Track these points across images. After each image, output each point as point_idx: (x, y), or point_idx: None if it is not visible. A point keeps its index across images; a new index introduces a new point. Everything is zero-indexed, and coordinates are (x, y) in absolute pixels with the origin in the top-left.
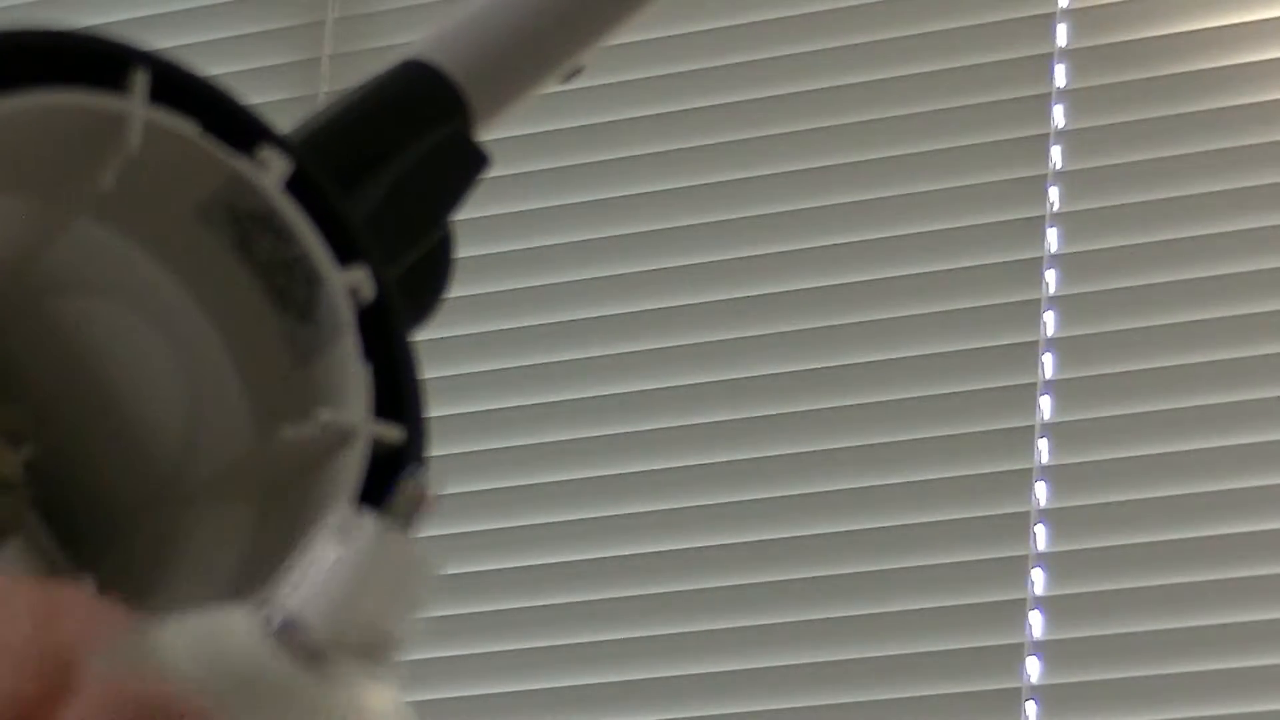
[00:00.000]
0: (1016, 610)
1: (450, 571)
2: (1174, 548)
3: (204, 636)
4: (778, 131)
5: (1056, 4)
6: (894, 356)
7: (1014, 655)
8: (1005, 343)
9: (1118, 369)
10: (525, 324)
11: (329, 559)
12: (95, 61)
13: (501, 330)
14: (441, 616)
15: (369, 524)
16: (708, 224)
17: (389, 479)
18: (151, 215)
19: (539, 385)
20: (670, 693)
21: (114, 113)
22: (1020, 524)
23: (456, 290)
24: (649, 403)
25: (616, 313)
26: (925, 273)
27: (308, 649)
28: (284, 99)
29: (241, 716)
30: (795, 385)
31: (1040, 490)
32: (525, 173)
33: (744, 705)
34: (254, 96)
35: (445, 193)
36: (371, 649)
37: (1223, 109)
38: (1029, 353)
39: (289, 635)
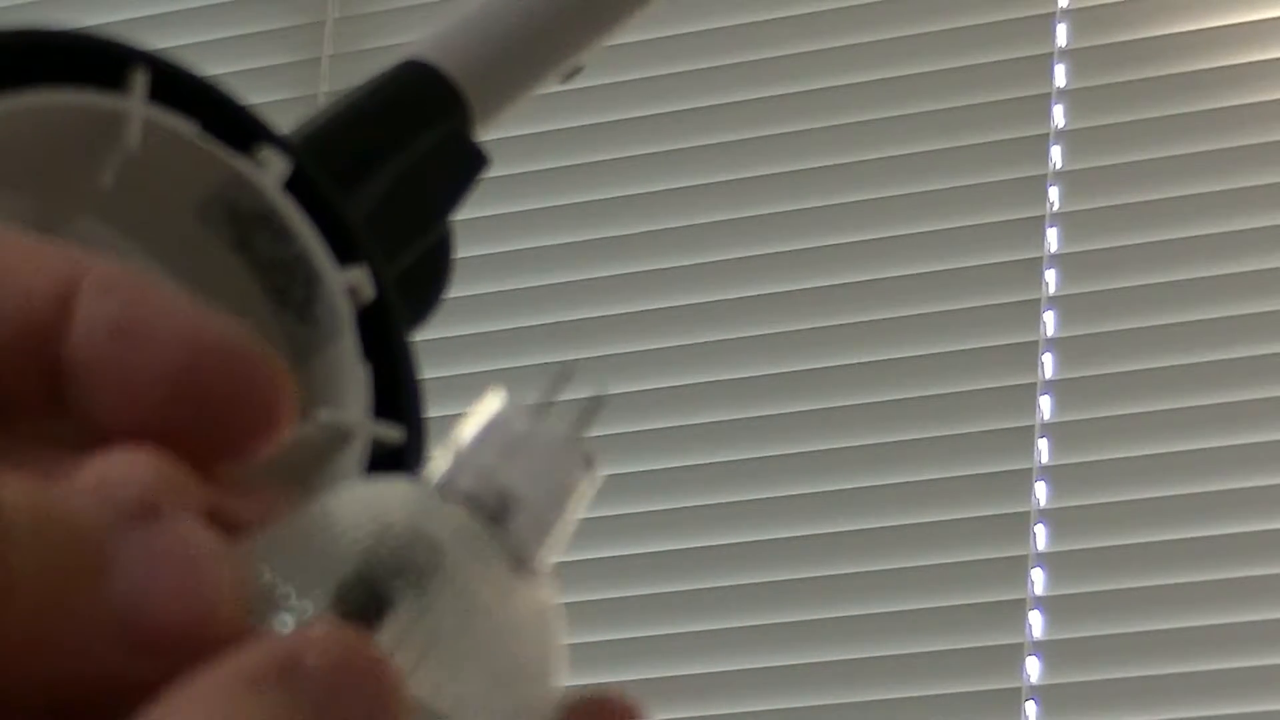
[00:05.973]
0: (1016, 610)
1: None
2: (1174, 548)
3: (370, 500)
4: (778, 131)
5: (1056, 4)
6: (894, 356)
7: (1014, 655)
8: (1005, 343)
9: (1118, 369)
10: (525, 324)
11: (477, 436)
12: (94, 61)
13: (501, 330)
14: None
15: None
16: (708, 224)
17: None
18: (150, 215)
19: (539, 385)
20: (670, 693)
21: (113, 112)
22: (1020, 524)
23: (456, 290)
24: (649, 402)
25: (616, 313)
26: (925, 273)
27: (477, 508)
28: (284, 99)
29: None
30: (795, 385)
31: (1040, 490)
32: (525, 173)
33: (744, 705)
34: (254, 96)
35: (444, 192)
36: (531, 529)
37: (1223, 109)
38: (1029, 353)
39: (450, 495)
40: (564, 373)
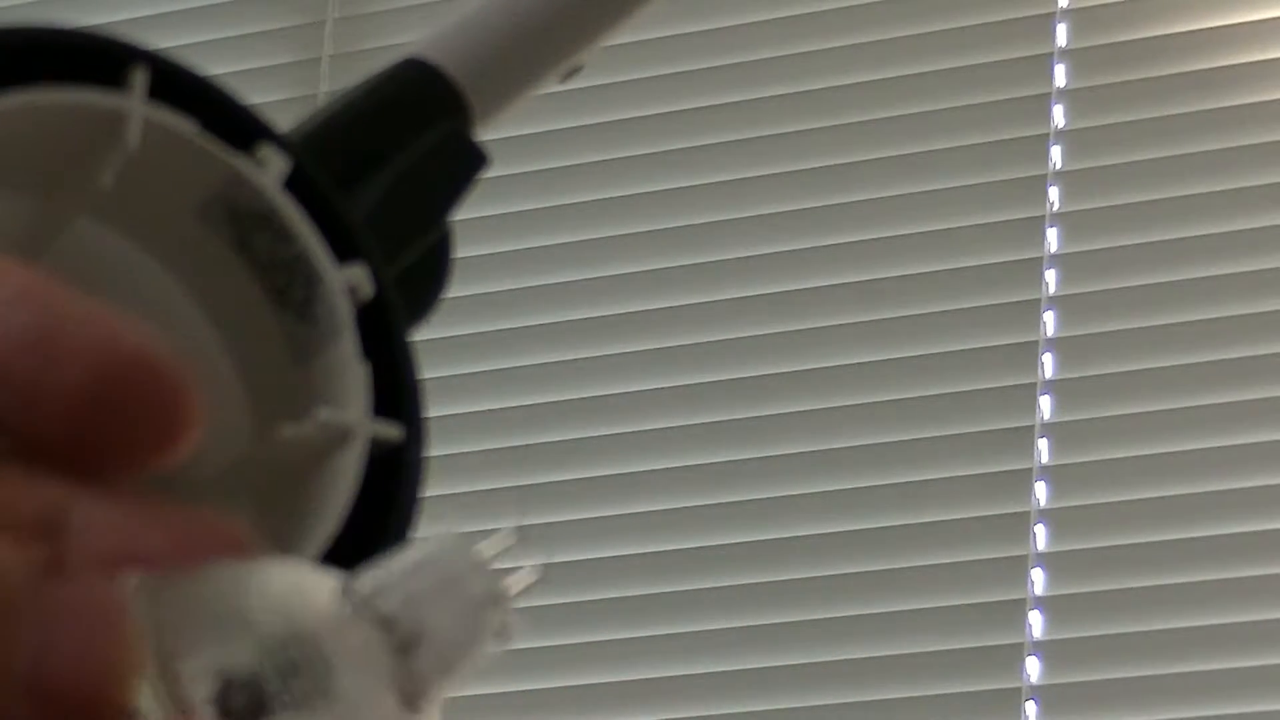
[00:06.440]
0: (1016, 610)
1: None
2: (1174, 548)
3: (288, 594)
4: (778, 131)
5: (1056, 4)
6: (894, 356)
7: (1014, 655)
8: (1005, 343)
9: (1118, 369)
10: (525, 324)
11: (417, 562)
12: (93, 59)
13: (501, 330)
14: None
15: (464, 547)
16: (708, 224)
17: (388, 477)
18: (150, 214)
19: (539, 385)
20: (670, 693)
21: (113, 111)
22: (1020, 524)
23: (456, 290)
24: (649, 403)
25: (616, 313)
26: (925, 273)
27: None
28: (284, 99)
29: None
30: (795, 385)
31: (1040, 490)
32: (525, 173)
33: (744, 705)
34: (254, 96)
35: (444, 191)
36: (434, 665)
37: (1223, 109)
38: (1029, 353)
39: (365, 612)
40: (514, 535)
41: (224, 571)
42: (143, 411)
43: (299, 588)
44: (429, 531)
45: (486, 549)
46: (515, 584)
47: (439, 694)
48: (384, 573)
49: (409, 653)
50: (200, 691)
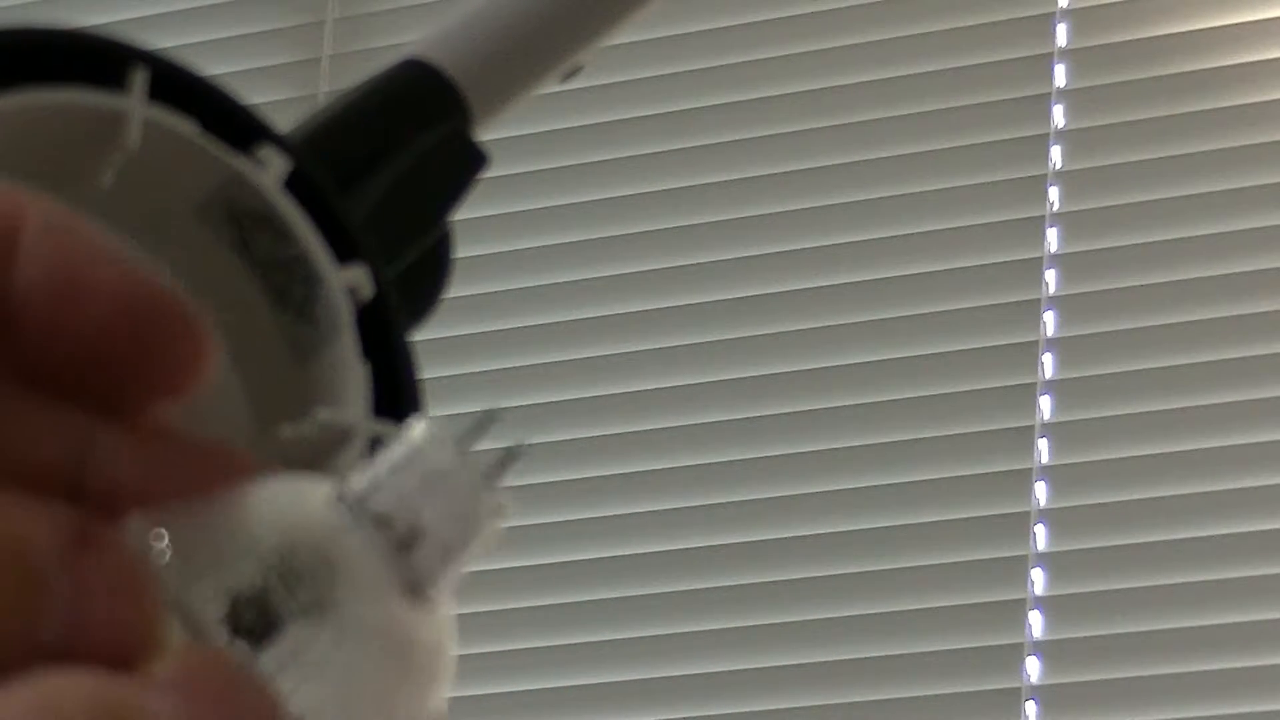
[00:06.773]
0: (1016, 610)
1: None
2: (1174, 548)
3: (284, 508)
4: (778, 131)
5: (1056, 4)
6: (894, 356)
7: (1014, 655)
8: (1005, 343)
9: (1118, 369)
10: (525, 324)
11: (403, 457)
12: (93, 60)
13: (501, 330)
14: None
15: (449, 441)
16: (708, 224)
17: None
18: (150, 214)
19: (539, 385)
20: (670, 693)
21: (112, 111)
22: (1020, 524)
23: (456, 290)
24: (649, 403)
25: (616, 313)
26: (925, 273)
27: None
28: (284, 99)
29: (308, 587)
30: (795, 385)
31: (1040, 490)
32: (525, 173)
33: (744, 705)
34: (254, 96)
35: (444, 192)
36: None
37: (1223, 109)
38: (1029, 353)
39: (361, 514)
40: (490, 417)
41: (223, 500)
42: (162, 342)
43: (294, 501)
44: (409, 427)
45: (467, 433)
46: (502, 461)
47: (446, 583)
48: (372, 474)
49: (409, 548)
50: (211, 615)
